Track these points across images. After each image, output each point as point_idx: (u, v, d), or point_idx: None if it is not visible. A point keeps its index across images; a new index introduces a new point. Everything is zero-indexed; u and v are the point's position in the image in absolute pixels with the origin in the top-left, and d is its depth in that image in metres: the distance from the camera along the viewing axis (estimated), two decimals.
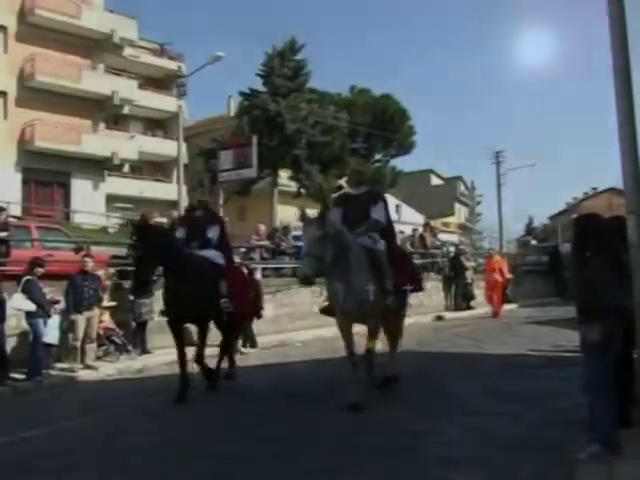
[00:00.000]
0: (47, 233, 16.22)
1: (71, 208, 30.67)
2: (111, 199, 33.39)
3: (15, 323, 10.46)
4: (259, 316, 11.85)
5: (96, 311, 10.97)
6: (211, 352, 9.40)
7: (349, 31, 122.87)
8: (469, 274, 20.44)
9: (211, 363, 8.99)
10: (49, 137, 29.67)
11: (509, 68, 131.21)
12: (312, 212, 7.73)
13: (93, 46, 32.99)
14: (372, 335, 7.45)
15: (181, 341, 8.45)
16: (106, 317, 11.60)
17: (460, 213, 69.03)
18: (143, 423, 7.07)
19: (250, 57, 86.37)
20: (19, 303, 9.90)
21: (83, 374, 10.45)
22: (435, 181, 68.97)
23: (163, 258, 7.90)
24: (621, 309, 4.74)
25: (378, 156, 42.05)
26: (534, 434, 5.76)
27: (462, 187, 71.25)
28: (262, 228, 17.66)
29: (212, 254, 8.73)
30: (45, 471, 5.51)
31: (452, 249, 23.53)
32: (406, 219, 50.99)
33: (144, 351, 11.76)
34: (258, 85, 34.75)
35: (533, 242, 38.80)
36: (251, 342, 12.69)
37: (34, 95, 29.79)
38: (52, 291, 10.69)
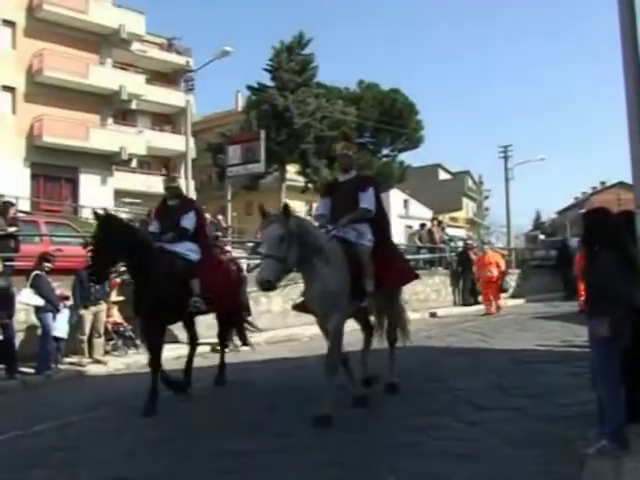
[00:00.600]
0: (56, 228, 16.30)
1: (79, 203, 30.75)
2: (119, 194, 33.46)
3: (24, 317, 10.54)
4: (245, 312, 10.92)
5: (103, 306, 11.02)
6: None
7: (355, 24, 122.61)
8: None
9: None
10: (57, 132, 29.73)
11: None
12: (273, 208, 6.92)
13: (101, 41, 33.01)
14: (333, 336, 6.50)
15: (155, 344, 7.63)
16: (115, 312, 11.66)
17: (468, 208, 68.95)
18: (151, 417, 7.08)
19: (258, 51, 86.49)
20: (28, 298, 9.96)
21: (92, 368, 10.52)
22: (443, 176, 68.95)
23: (121, 252, 7.17)
24: (630, 303, 4.72)
25: (386, 151, 42.01)
26: (541, 429, 5.73)
27: (470, 182, 71.14)
28: None
29: (185, 248, 7.87)
30: (54, 465, 5.53)
31: (460, 244, 23.49)
32: (414, 214, 51.02)
33: None
34: (266, 80, 34.79)
35: (541, 237, 38.65)
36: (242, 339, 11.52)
37: (42, 90, 29.86)
38: (61, 286, 10.74)
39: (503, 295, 19.45)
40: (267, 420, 6.59)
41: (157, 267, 7.35)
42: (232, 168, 27.26)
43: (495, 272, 18.24)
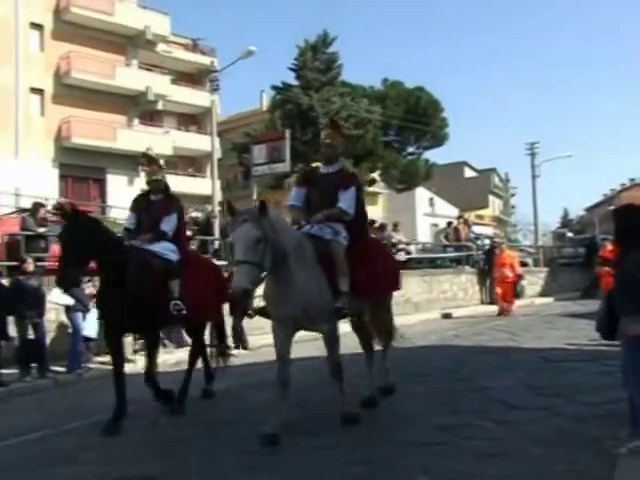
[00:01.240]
0: None
1: (107, 203, 31.06)
2: None
3: (54, 317, 10.69)
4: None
5: None
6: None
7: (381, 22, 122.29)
8: None
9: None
10: (85, 133, 30.16)
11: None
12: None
13: (127, 42, 33.43)
14: (329, 342, 6.18)
15: (119, 355, 7.07)
16: None
17: (494, 205, 68.43)
18: (180, 417, 7.15)
19: (282, 51, 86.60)
20: (58, 297, 10.09)
21: None
22: (469, 173, 68.48)
23: (90, 250, 6.36)
24: None
25: (411, 149, 41.80)
26: (571, 428, 5.68)
27: (496, 179, 70.56)
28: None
29: (162, 247, 7.23)
30: (86, 462, 5.61)
31: (487, 242, 23.31)
32: (440, 212, 50.79)
33: (180, 345, 11.84)
34: (290, 79, 34.81)
35: (569, 234, 38.17)
36: (239, 342, 11.41)
37: (70, 92, 30.31)
38: (90, 286, 10.85)
39: (517, 301, 18.74)
40: (294, 419, 6.59)
41: (132, 266, 6.68)
42: (257, 167, 27.25)
43: (510, 274, 17.83)
